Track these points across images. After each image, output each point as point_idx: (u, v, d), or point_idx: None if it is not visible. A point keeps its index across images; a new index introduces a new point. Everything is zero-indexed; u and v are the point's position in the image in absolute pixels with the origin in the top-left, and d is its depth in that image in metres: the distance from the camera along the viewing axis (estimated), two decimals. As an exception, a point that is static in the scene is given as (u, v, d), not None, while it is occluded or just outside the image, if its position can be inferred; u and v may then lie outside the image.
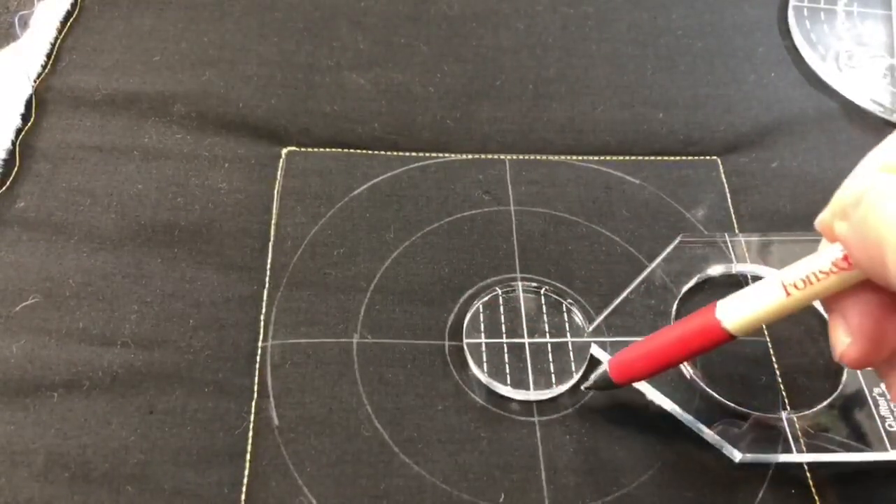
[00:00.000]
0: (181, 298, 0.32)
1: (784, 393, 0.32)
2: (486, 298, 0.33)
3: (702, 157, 0.39)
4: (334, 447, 0.29)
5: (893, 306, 0.23)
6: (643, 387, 0.31)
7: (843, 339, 0.24)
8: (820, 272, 0.23)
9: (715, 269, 0.34)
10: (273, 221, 0.35)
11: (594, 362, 0.32)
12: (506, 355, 0.32)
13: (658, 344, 0.27)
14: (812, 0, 0.46)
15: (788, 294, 0.24)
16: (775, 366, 0.33)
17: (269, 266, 0.34)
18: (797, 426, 0.30)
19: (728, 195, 0.38)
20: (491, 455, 0.30)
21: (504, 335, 0.32)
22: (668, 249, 0.34)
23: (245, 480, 0.29)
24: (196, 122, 0.38)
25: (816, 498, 0.30)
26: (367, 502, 0.28)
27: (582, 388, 0.31)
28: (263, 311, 0.32)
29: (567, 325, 0.33)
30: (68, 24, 0.40)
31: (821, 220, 0.24)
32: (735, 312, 0.25)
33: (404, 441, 0.30)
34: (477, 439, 0.30)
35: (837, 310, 0.24)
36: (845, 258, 0.22)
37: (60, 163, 0.36)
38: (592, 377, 0.30)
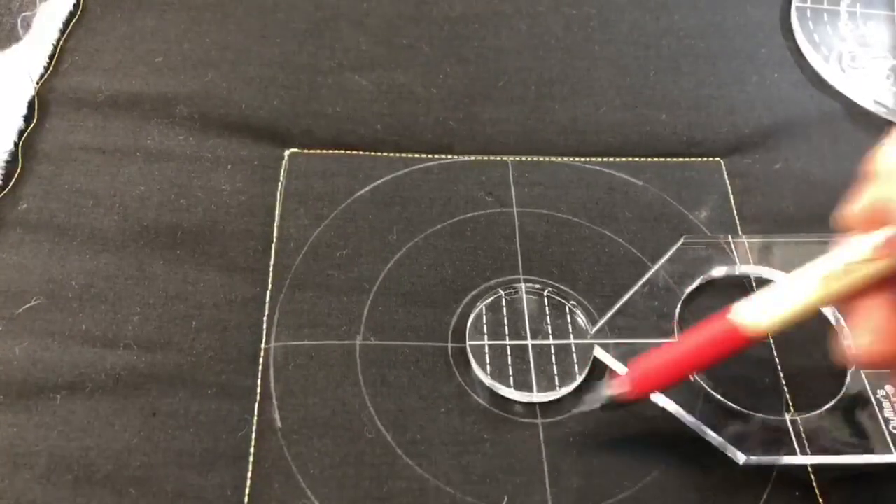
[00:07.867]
0: (184, 300, 0.32)
1: (788, 395, 0.32)
2: (489, 300, 0.33)
3: (705, 159, 0.39)
4: (337, 449, 0.29)
5: None
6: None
7: (864, 339, 0.23)
8: (859, 261, 0.22)
9: (718, 271, 0.34)
10: (276, 223, 0.35)
11: (597, 364, 0.32)
12: (509, 357, 0.32)
13: (676, 355, 0.26)
14: (815, 1, 0.45)
15: (824, 287, 0.23)
16: (779, 368, 0.33)
17: (271, 268, 0.34)
18: (801, 428, 0.30)
19: (731, 196, 0.38)
20: (494, 457, 0.30)
21: (507, 337, 0.32)
22: (672, 251, 0.34)
23: (248, 483, 0.29)
24: (199, 124, 0.37)
25: (820, 500, 0.30)
26: (370, 504, 0.28)
27: (583, 408, 0.30)
28: (266, 312, 0.32)
29: (570, 326, 0.33)
30: (70, 25, 0.40)
31: (852, 213, 0.23)
32: (762, 313, 0.24)
33: (407, 443, 0.30)
34: (480, 441, 0.30)
35: (859, 309, 0.23)
36: (887, 244, 0.22)
37: (63, 164, 0.35)
38: (602, 395, 0.29)
